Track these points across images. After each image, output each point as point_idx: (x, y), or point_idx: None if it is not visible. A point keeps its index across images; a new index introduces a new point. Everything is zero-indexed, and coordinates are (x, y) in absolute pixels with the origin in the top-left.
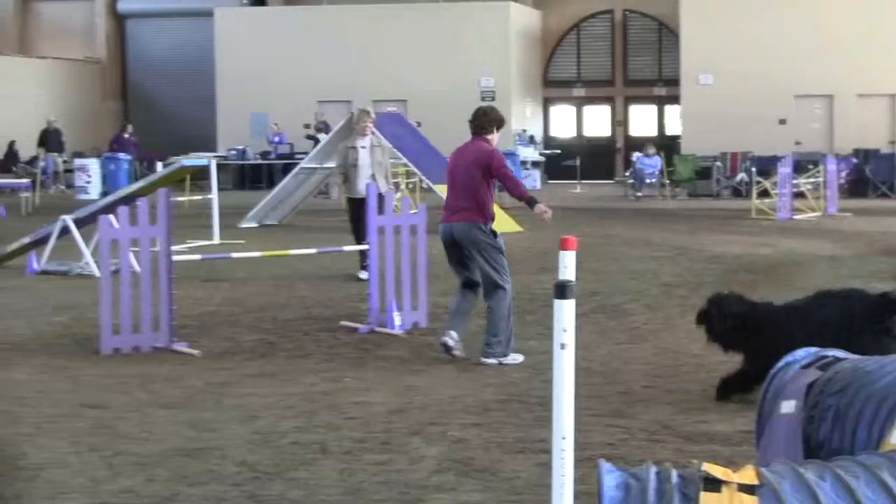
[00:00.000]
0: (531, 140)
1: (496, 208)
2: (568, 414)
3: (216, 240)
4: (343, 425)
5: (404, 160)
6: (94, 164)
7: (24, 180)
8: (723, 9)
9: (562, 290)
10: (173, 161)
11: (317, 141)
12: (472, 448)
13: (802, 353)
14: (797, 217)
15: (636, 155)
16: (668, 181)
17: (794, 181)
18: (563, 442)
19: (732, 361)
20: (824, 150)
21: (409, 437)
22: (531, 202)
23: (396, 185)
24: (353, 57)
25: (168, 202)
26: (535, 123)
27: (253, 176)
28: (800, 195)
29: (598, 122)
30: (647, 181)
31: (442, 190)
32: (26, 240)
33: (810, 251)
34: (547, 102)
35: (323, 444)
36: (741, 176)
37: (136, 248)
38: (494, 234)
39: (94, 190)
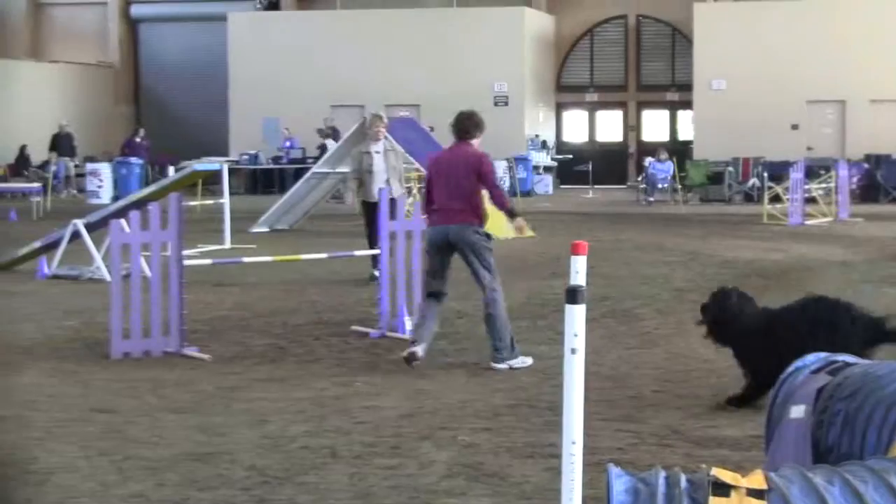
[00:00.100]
0: (544, 145)
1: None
2: (578, 418)
3: (227, 244)
4: (353, 430)
5: (416, 165)
6: (105, 169)
7: (36, 184)
8: (736, 15)
9: (573, 295)
10: (185, 165)
11: (324, 147)
12: (482, 453)
13: (812, 358)
14: (809, 222)
15: (648, 160)
16: (680, 186)
17: (806, 186)
18: (572, 446)
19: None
20: (836, 156)
21: (419, 442)
22: (511, 213)
23: (409, 190)
24: (366, 61)
25: (179, 206)
26: (547, 128)
27: (265, 180)
28: (811, 200)
29: (610, 127)
30: (660, 186)
31: None
32: (37, 244)
33: (821, 256)
34: (560, 107)
35: (333, 449)
36: (753, 181)
37: (147, 253)
38: (488, 236)
39: (106, 194)
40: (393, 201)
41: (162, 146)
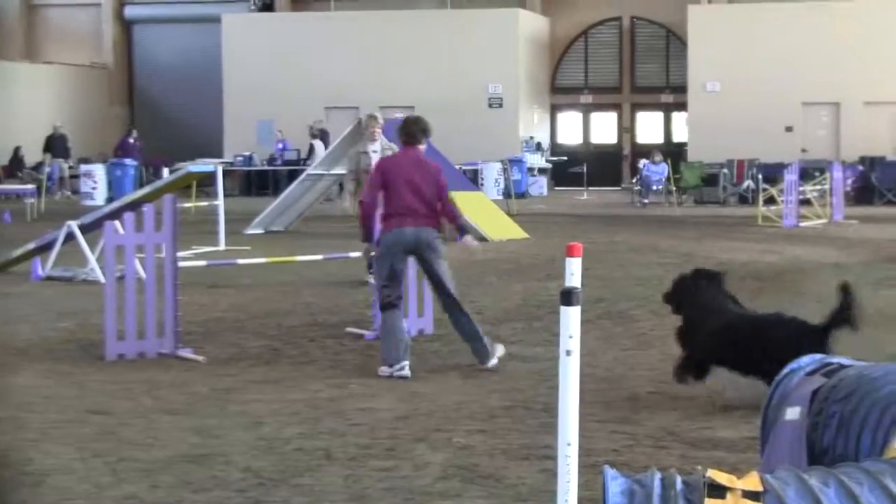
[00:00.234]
0: (538, 147)
1: (504, 215)
2: (573, 420)
3: (222, 246)
4: (348, 432)
5: None
6: (99, 170)
7: (30, 186)
8: (730, 16)
9: (568, 297)
10: (179, 167)
11: (311, 147)
12: (478, 454)
13: (807, 360)
14: (803, 224)
15: (643, 162)
16: (674, 188)
17: (801, 188)
18: (568, 448)
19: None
20: (830, 158)
21: (414, 444)
22: (463, 229)
23: None
24: (361, 63)
25: (174, 208)
26: (542, 130)
27: (259, 182)
28: (806, 202)
29: (605, 128)
30: (654, 188)
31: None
32: (31, 245)
33: (816, 258)
34: (554, 109)
35: (328, 451)
36: (747, 183)
37: (142, 255)
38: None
39: (100, 196)
40: None
41: (156, 148)
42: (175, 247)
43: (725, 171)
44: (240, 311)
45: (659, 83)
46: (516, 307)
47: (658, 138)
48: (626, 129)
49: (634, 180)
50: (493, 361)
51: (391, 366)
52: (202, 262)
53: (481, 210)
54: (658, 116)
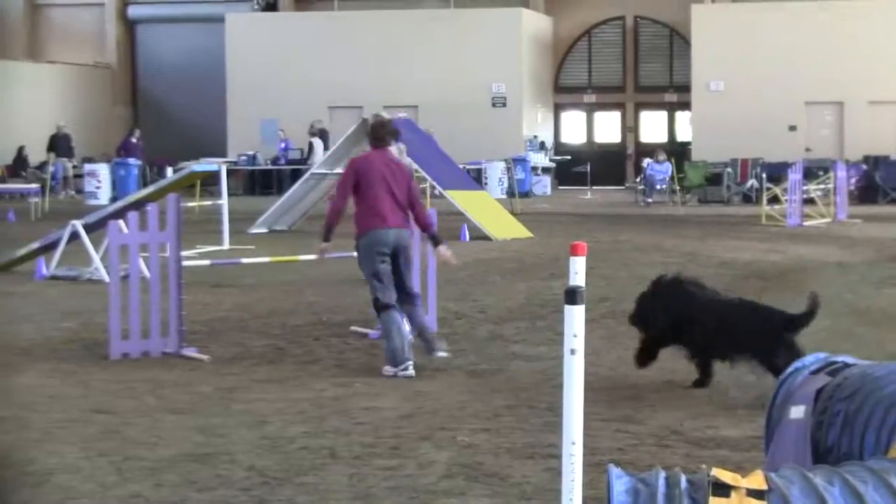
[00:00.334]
0: (542, 146)
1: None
2: (578, 419)
3: (226, 245)
4: (352, 430)
5: (415, 166)
6: (103, 170)
7: (34, 185)
8: (734, 16)
9: (572, 296)
10: (183, 166)
11: (311, 145)
12: (482, 453)
13: (811, 359)
14: (807, 223)
15: (646, 161)
16: (678, 187)
17: (805, 188)
18: (572, 447)
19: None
20: (834, 157)
21: (418, 443)
22: (436, 239)
23: None
24: (364, 63)
25: (178, 207)
26: (545, 129)
27: (263, 181)
28: (810, 201)
29: (608, 128)
30: (658, 187)
31: (454, 196)
32: (35, 245)
33: (820, 257)
34: (558, 108)
35: (332, 450)
36: (751, 182)
37: (146, 254)
38: None
39: (104, 195)
40: None
41: (160, 147)
42: (179, 246)
43: (729, 170)
44: (244, 311)
45: (662, 82)
46: (520, 306)
47: (662, 137)
48: (630, 128)
49: (638, 179)
50: (445, 352)
51: (395, 366)
52: (206, 262)
53: (485, 209)
54: (662, 116)
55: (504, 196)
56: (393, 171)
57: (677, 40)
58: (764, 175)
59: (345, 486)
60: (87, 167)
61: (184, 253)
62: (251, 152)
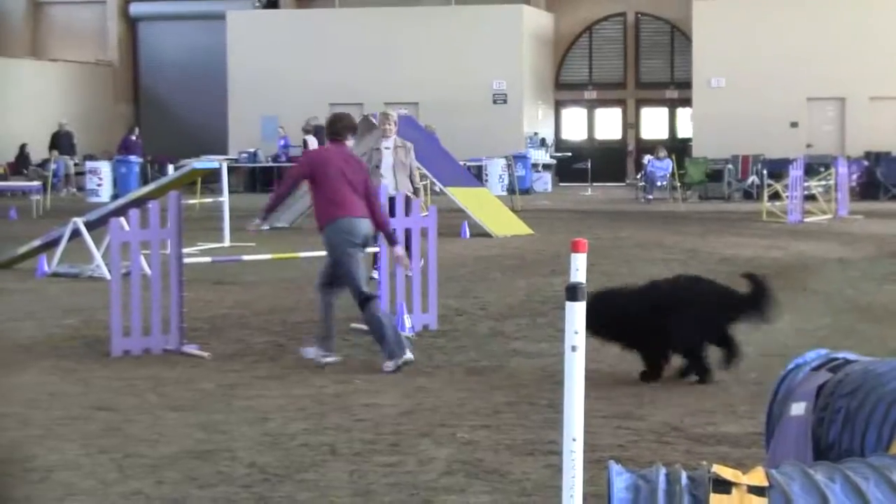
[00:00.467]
0: (542, 143)
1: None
2: (578, 416)
3: (226, 242)
4: (353, 427)
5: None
6: (105, 167)
7: (35, 183)
8: (735, 12)
9: (573, 292)
10: (184, 164)
11: (305, 143)
12: (482, 450)
13: (813, 355)
14: (808, 220)
15: (647, 158)
16: (679, 184)
17: (806, 184)
18: (573, 444)
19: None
20: (836, 153)
21: (418, 439)
22: (392, 239)
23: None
24: (365, 60)
25: (178, 205)
26: (546, 126)
27: (263, 178)
28: (811, 198)
29: (609, 124)
30: (659, 184)
31: (455, 192)
32: (37, 242)
33: (821, 254)
34: (558, 105)
35: (332, 446)
36: (752, 179)
37: (147, 251)
38: None
39: (105, 193)
40: (392, 199)
41: (161, 144)
42: (180, 243)
43: (730, 166)
44: (245, 308)
45: (663, 79)
46: (520, 303)
47: (663, 134)
48: (631, 124)
49: (639, 176)
50: (393, 365)
51: (393, 359)
52: (207, 259)
53: (485, 206)
54: (663, 112)
55: (504, 193)
56: (351, 165)
57: (678, 37)
58: (765, 171)
59: (345, 483)
60: (89, 165)
61: (185, 250)
62: (252, 149)
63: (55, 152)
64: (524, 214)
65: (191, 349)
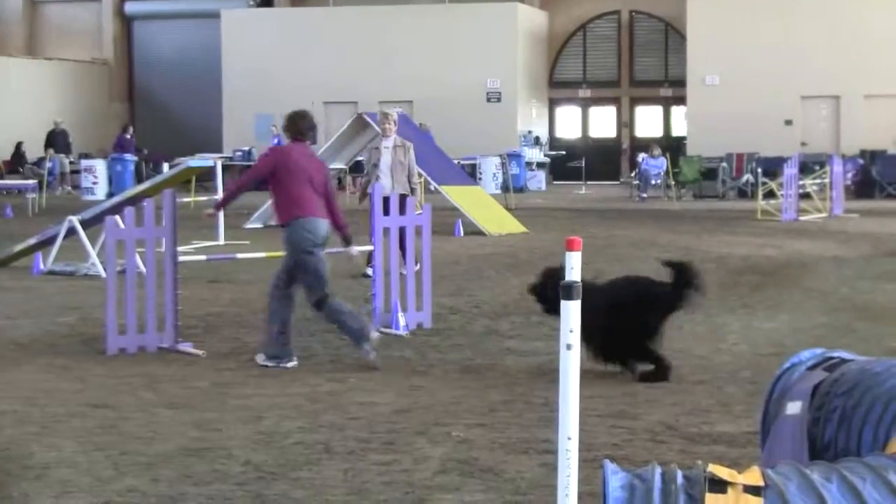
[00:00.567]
0: (536, 141)
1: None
2: (574, 414)
3: (221, 241)
4: (347, 425)
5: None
6: (100, 165)
7: (31, 181)
8: (729, 10)
9: (568, 291)
10: (179, 162)
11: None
12: (477, 448)
13: (808, 354)
14: (803, 218)
15: (641, 156)
16: (673, 182)
17: (800, 182)
18: (568, 442)
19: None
20: (831, 151)
21: (413, 438)
22: (348, 240)
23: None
24: (359, 58)
25: (173, 203)
26: (540, 124)
27: None
28: (806, 196)
29: (603, 123)
30: (653, 182)
31: (449, 191)
32: (32, 240)
33: (816, 252)
34: (553, 103)
35: (327, 445)
36: (747, 177)
37: (142, 249)
38: None
39: (101, 191)
40: (387, 198)
41: (156, 143)
42: (175, 241)
43: (724, 164)
44: (240, 306)
45: (658, 77)
46: (515, 301)
47: (657, 132)
48: (625, 123)
49: (633, 174)
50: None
51: (366, 340)
52: (202, 257)
53: (479, 204)
54: (657, 110)
55: (499, 191)
56: (314, 165)
57: (672, 35)
58: (759, 170)
59: (340, 482)
60: (84, 163)
61: (179, 248)
62: (246, 148)
63: (51, 151)
64: (518, 213)
65: (186, 347)
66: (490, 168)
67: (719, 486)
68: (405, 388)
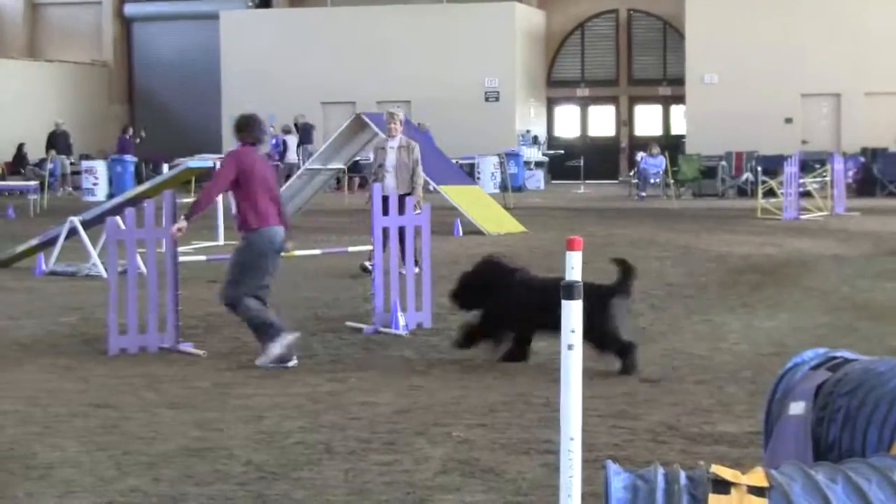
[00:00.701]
0: (535, 140)
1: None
2: (575, 415)
3: (221, 241)
4: (348, 425)
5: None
6: (101, 167)
7: (32, 182)
8: (728, 8)
9: (569, 291)
10: (178, 162)
11: (285, 143)
12: (478, 449)
13: (811, 354)
14: (804, 217)
15: (640, 155)
16: (672, 181)
17: (801, 180)
18: (570, 443)
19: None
20: (831, 149)
21: (413, 438)
22: (290, 236)
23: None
24: (358, 58)
25: (173, 203)
26: (539, 124)
27: None
28: (806, 194)
29: (602, 122)
30: (652, 181)
31: (447, 190)
32: (34, 241)
33: (817, 251)
34: (551, 102)
35: (328, 445)
36: (746, 175)
37: (143, 250)
38: None
39: (101, 192)
40: (386, 198)
41: (156, 144)
42: (175, 242)
43: (724, 163)
44: None
45: (656, 76)
46: None
47: (656, 131)
48: (624, 122)
49: (632, 173)
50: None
51: (278, 337)
52: (202, 257)
53: (478, 204)
54: (656, 109)
55: (497, 191)
56: (268, 171)
57: (671, 33)
58: (759, 168)
59: (341, 482)
60: (85, 164)
61: (180, 249)
62: None
63: (52, 152)
64: (517, 212)
65: (186, 347)
66: (488, 167)
67: (723, 486)
68: (405, 388)
